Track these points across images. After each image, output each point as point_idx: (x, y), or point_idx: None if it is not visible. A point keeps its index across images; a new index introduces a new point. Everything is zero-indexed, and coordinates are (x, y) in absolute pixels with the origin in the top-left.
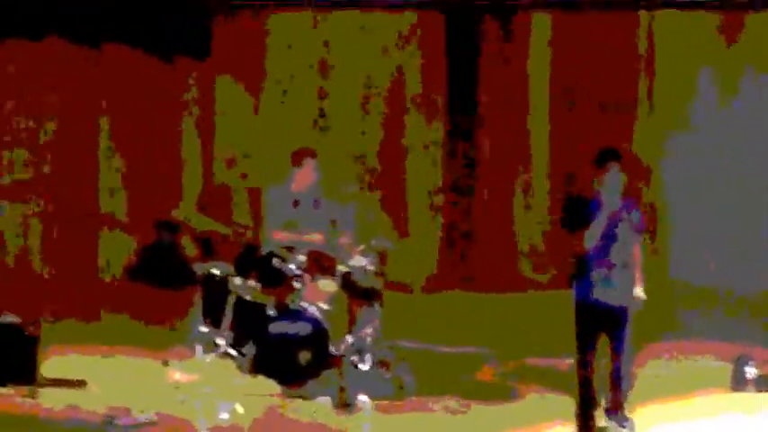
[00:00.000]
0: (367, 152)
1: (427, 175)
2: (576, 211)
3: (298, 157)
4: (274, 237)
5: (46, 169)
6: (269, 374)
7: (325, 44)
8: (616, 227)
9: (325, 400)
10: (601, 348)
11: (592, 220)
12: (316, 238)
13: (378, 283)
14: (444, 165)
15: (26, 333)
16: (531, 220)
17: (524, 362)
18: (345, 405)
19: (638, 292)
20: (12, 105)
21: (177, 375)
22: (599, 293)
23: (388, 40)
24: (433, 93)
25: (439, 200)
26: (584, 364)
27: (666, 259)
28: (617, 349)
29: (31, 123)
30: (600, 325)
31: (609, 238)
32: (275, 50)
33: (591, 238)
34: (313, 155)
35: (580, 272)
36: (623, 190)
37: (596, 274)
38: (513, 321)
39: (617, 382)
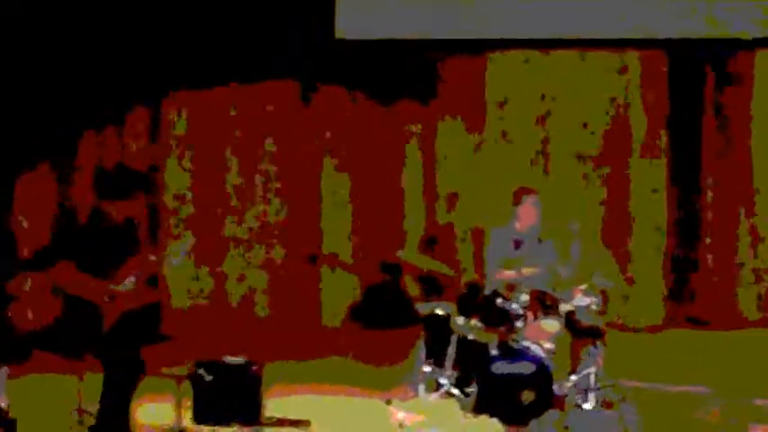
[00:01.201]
0: (589, 191)
1: (651, 213)
2: None
3: (518, 196)
4: (497, 276)
5: (270, 212)
6: (492, 414)
7: (546, 83)
8: None
9: None
10: None
11: None
12: (531, 271)
13: (601, 322)
14: (668, 204)
15: (250, 373)
16: (756, 260)
17: (750, 401)
18: None
19: None
20: (231, 149)
21: (400, 415)
22: None
23: (610, 79)
24: (655, 131)
25: (662, 238)
26: None
27: None
28: None
29: (251, 167)
30: None
31: None
32: (496, 90)
33: None
34: (534, 193)
35: None
36: None
37: None
38: (738, 360)
39: None
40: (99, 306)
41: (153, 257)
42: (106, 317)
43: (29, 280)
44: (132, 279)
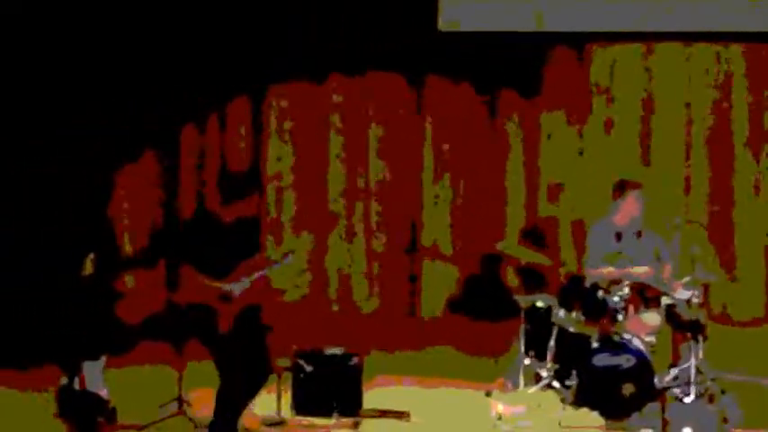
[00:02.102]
0: (692, 184)
1: (753, 206)
2: None
3: (621, 189)
4: (597, 270)
5: (371, 203)
6: (592, 407)
7: (650, 76)
8: None
9: None
10: None
11: None
12: (642, 271)
13: (702, 316)
14: None
15: (350, 364)
16: None
17: None
18: None
19: None
20: (333, 141)
21: (500, 407)
22: None
23: (713, 73)
24: (760, 127)
25: (765, 232)
26: None
27: None
28: None
29: (353, 159)
30: None
31: None
32: (599, 83)
33: None
34: (636, 186)
35: None
36: None
37: None
38: None
39: None
40: (213, 307)
41: (263, 257)
42: (221, 317)
43: (133, 276)
44: (246, 279)
